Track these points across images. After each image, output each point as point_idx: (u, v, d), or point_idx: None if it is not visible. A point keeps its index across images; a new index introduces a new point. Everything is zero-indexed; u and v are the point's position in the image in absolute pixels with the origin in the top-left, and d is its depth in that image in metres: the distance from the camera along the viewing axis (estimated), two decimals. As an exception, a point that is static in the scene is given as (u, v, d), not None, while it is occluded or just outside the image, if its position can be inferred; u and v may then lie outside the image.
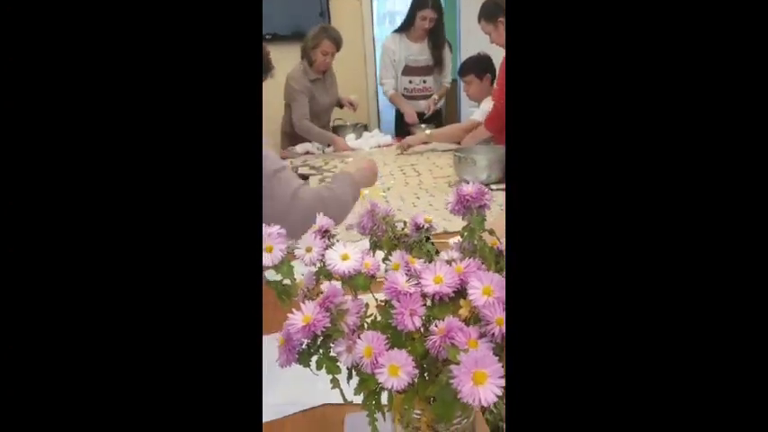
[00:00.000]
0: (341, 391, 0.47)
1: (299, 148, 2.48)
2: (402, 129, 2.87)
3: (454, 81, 2.96)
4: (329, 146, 2.50)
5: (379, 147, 2.52)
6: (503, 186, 1.74)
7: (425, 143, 2.36)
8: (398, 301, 0.42)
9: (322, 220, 0.50)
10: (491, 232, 0.54)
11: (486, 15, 1.99)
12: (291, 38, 3.06)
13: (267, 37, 3.05)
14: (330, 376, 0.45)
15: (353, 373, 0.46)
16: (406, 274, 0.46)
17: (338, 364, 0.45)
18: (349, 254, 0.46)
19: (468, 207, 0.54)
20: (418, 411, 0.49)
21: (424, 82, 2.81)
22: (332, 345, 0.44)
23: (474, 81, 2.37)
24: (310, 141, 2.52)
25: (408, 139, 2.37)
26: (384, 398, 0.47)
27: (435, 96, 2.80)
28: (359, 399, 0.46)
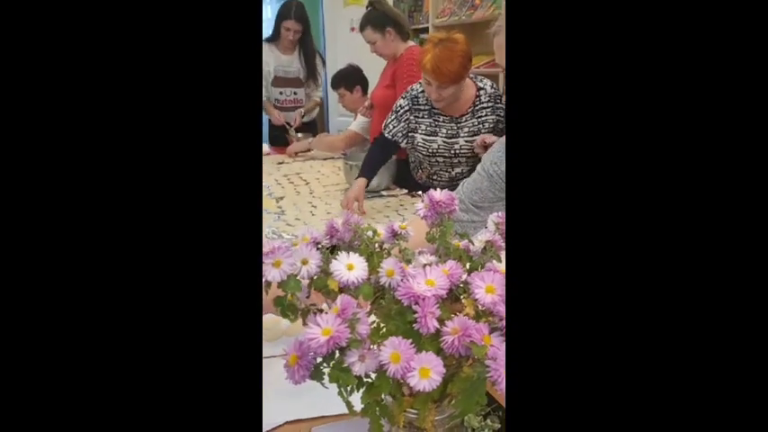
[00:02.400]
0: (348, 403, 0.47)
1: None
2: (277, 139, 2.82)
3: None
4: None
5: (256, 156, 2.45)
6: (393, 192, 1.82)
7: (308, 150, 2.36)
8: (418, 305, 0.43)
9: (312, 232, 0.50)
10: (462, 236, 0.58)
11: (373, 23, 2.01)
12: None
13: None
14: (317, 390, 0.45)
15: (361, 382, 0.46)
16: (404, 279, 0.48)
17: (350, 374, 0.44)
18: (354, 263, 0.46)
19: (440, 213, 0.57)
20: (412, 411, 0.50)
21: (295, 94, 2.80)
22: (345, 355, 0.44)
23: (346, 94, 2.44)
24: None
25: (294, 146, 2.36)
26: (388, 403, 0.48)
27: (302, 110, 2.79)
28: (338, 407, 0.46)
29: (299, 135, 2.62)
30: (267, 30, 2.68)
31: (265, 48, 2.69)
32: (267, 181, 1.97)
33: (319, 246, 0.50)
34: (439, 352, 0.44)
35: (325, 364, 0.45)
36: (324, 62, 2.89)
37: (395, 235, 0.57)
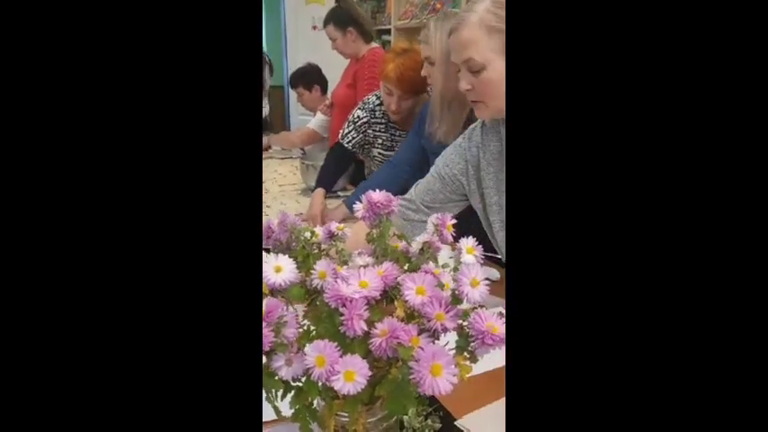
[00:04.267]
0: (276, 408, 0.46)
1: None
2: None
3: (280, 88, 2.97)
4: None
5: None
6: (349, 192, 1.81)
7: (266, 149, 2.32)
8: (345, 308, 0.43)
9: (242, 233, 0.49)
10: (400, 237, 0.58)
11: (336, 21, 2.00)
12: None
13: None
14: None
15: (289, 387, 0.45)
16: (337, 280, 0.47)
17: (277, 378, 0.44)
18: (282, 265, 0.45)
19: (378, 214, 0.57)
20: (344, 414, 0.50)
21: None
22: (271, 359, 0.43)
23: (304, 93, 2.42)
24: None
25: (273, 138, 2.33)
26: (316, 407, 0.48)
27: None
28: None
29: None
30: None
31: None
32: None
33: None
34: (368, 354, 0.44)
35: (251, 369, 0.44)
36: (272, 69, 2.87)
37: (332, 236, 0.57)
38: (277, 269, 0.45)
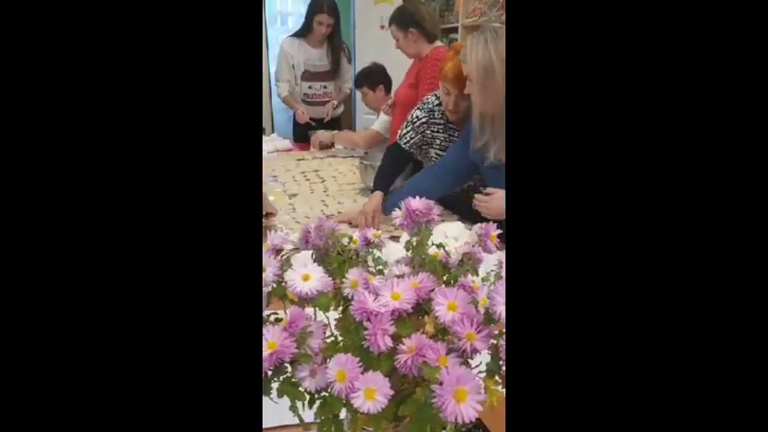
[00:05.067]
0: (299, 416, 0.45)
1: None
2: (300, 134, 2.82)
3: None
4: None
5: (278, 151, 2.46)
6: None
7: (330, 146, 2.35)
8: (369, 322, 0.41)
9: (275, 238, 0.48)
10: (439, 246, 0.55)
11: (398, 21, 1.99)
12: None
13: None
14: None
15: (314, 398, 0.44)
16: (367, 292, 0.46)
17: (301, 389, 0.43)
18: (310, 273, 0.44)
19: (417, 222, 0.55)
20: (370, 429, 0.48)
21: (325, 87, 2.80)
22: (295, 370, 0.42)
23: (368, 92, 2.42)
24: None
25: (319, 135, 2.35)
26: (343, 419, 0.46)
27: (335, 102, 2.80)
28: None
29: (321, 132, 2.62)
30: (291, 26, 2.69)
31: (293, 42, 2.71)
32: (285, 177, 1.97)
33: (282, 253, 0.48)
34: (393, 371, 0.42)
35: (275, 378, 0.43)
36: (349, 57, 2.88)
37: (368, 243, 0.55)
38: (305, 277, 0.44)
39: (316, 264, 0.53)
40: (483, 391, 0.37)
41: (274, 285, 0.46)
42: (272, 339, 0.40)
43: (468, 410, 0.36)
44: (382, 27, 3.48)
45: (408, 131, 1.61)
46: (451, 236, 1.07)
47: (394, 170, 1.63)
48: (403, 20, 2.00)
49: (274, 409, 0.45)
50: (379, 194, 1.54)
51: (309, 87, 2.79)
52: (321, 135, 2.43)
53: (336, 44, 2.73)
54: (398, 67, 2.34)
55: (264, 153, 2.41)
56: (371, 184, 1.68)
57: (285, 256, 0.48)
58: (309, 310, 0.46)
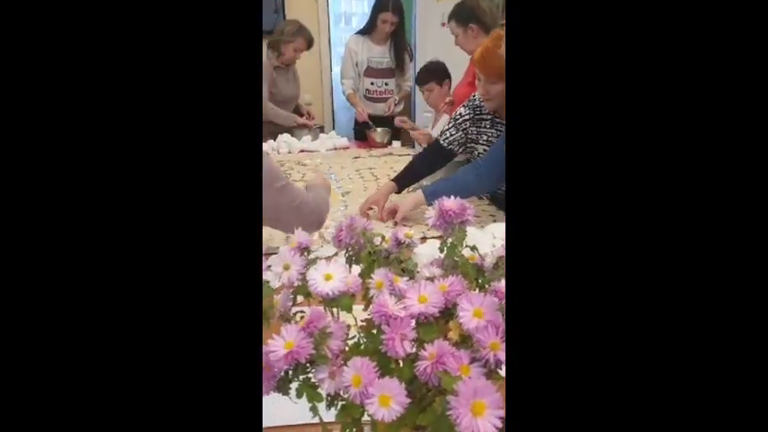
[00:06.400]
0: (320, 417, 0.44)
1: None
2: (358, 133, 2.84)
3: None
4: (295, 127, 2.58)
5: (336, 149, 2.49)
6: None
7: (387, 144, 2.35)
8: (388, 326, 0.39)
9: (300, 236, 0.48)
10: (473, 248, 0.53)
11: (457, 17, 1.96)
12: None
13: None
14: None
15: (335, 400, 0.43)
16: (391, 294, 0.44)
17: (319, 390, 0.42)
18: (332, 273, 0.43)
19: (450, 222, 0.53)
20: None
21: (386, 84, 2.80)
22: (313, 371, 0.41)
23: (435, 88, 2.37)
24: (263, 140, 2.47)
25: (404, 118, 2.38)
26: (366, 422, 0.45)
27: (396, 98, 2.80)
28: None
29: (379, 130, 2.62)
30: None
31: (357, 39, 2.73)
32: (340, 174, 1.99)
33: (307, 251, 0.48)
34: (414, 378, 0.40)
35: (295, 378, 0.42)
36: (411, 55, 2.87)
37: (399, 244, 0.54)
38: (327, 277, 0.43)
39: (346, 263, 0.52)
40: (503, 406, 0.35)
41: (299, 284, 0.46)
42: (289, 339, 0.39)
43: (485, 426, 0.34)
44: (443, 24, 3.44)
45: (450, 128, 1.57)
46: (500, 236, 1.03)
47: (423, 168, 1.59)
48: (462, 16, 1.96)
49: (295, 408, 0.45)
50: (390, 186, 1.51)
51: (371, 84, 2.80)
52: (413, 128, 2.42)
53: (399, 42, 2.73)
54: (458, 66, 2.30)
55: (322, 151, 2.44)
56: (425, 183, 1.65)
57: (310, 255, 0.47)
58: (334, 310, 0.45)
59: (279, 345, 0.39)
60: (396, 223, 1.42)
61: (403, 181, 1.53)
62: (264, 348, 0.40)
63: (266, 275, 0.44)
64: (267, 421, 0.69)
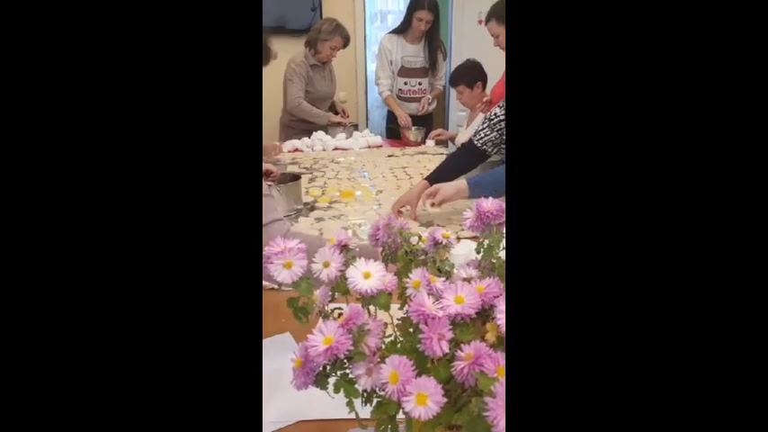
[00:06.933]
0: (356, 413, 0.45)
1: (287, 144, 2.45)
2: (391, 131, 2.85)
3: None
4: (328, 125, 2.59)
5: (369, 147, 2.50)
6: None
7: (421, 143, 2.34)
8: (426, 325, 0.40)
9: (340, 234, 0.48)
10: (510, 251, 0.53)
11: (498, 16, 1.92)
12: (275, 30, 3.05)
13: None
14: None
15: (372, 396, 0.44)
16: (429, 294, 0.45)
17: (356, 386, 0.43)
18: (371, 272, 0.44)
19: (488, 224, 0.53)
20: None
21: (420, 84, 2.80)
22: (351, 367, 0.42)
23: (465, 90, 2.36)
24: (298, 137, 2.50)
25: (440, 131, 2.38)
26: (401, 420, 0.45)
27: (429, 97, 2.79)
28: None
29: (413, 129, 2.62)
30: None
31: (391, 38, 2.73)
32: (373, 173, 2.00)
33: (346, 249, 0.49)
34: (451, 378, 0.41)
35: (333, 373, 0.43)
36: (445, 54, 2.86)
37: (436, 243, 0.54)
38: (366, 275, 0.44)
39: (384, 262, 0.53)
40: (541, 408, 0.35)
41: (338, 281, 0.46)
42: (329, 335, 0.40)
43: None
44: (480, 22, 3.41)
45: (484, 128, 1.55)
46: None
47: (457, 168, 1.57)
48: (504, 14, 1.93)
49: (331, 403, 0.46)
50: (424, 185, 1.50)
51: (405, 83, 2.80)
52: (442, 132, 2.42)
53: (434, 41, 2.72)
54: (494, 65, 2.28)
55: (356, 149, 2.46)
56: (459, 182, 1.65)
57: (349, 253, 0.48)
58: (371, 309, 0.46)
59: (318, 340, 0.40)
60: (433, 204, 1.42)
61: (436, 180, 1.52)
62: (305, 343, 0.41)
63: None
64: (303, 415, 0.71)
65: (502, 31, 1.93)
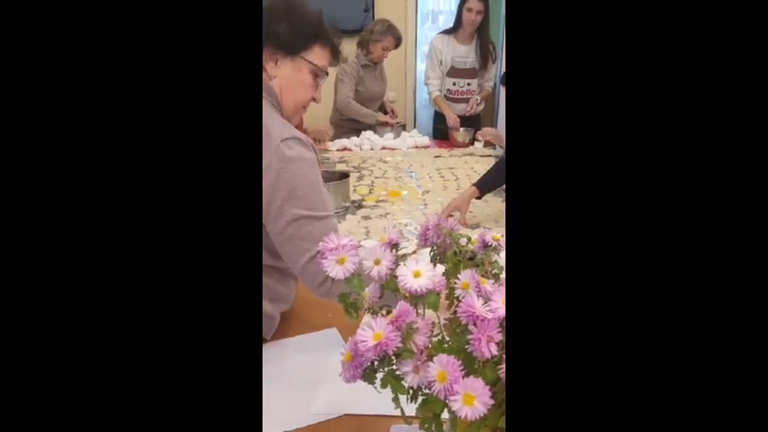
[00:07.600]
0: (402, 410, 0.46)
1: (336, 143, 2.49)
2: (438, 132, 2.84)
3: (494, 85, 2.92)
4: (377, 124, 2.61)
5: (417, 147, 2.50)
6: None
7: (469, 144, 2.31)
8: (475, 327, 0.40)
9: (391, 233, 0.49)
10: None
11: None
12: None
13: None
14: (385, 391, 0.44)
15: (417, 393, 0.45)
16: (478, 296, 0.45)
17: (403, 383, 0.43)
18: (421, 271, 0.44)
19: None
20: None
21: (468, 85, 2.78)
22: (399, 364, 0.43)
23: None
24: (347, 136, 2.53)
25: (485, 131, 2.37)
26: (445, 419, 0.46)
27: (477, 98, 2.76)
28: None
29: (462, 130, 2.61)
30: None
31: (442, 38, 2.72)
32: (420, 173, 2.00)
33: (396, 248, 0.49)
34: (498, 380, 0.41)
35: (381, 368, 0.44)
36: (495, 55, 2.82)
37: (486, 246, 0.54)
38: (416, 274, 0.44)
39: (432, 262, 0.53)
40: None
41: (387, 279, 0.47)
42: (378, 330, 0.41)
43: None
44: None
45: None
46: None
47: (504, 174, 1.55)
48: None
49: (378, 398, 0.46)
50: (472, 190, 1.49)
51: (453, 84, 2.78)
52: (486, 131, 2.39)
53: (484, 41, 2.69)
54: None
55: (403, 149, 2.46)
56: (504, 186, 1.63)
57: (400, 252, 0.48)
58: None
59: (368, 335, 0.41)
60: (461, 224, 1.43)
61: (485, 186, 1.52)
62: (355, 338, 0.42)
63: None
64: (347, 408, 0.73)
65: None
